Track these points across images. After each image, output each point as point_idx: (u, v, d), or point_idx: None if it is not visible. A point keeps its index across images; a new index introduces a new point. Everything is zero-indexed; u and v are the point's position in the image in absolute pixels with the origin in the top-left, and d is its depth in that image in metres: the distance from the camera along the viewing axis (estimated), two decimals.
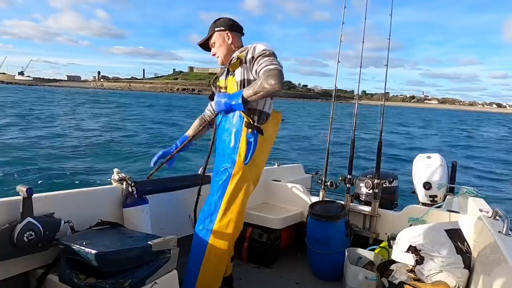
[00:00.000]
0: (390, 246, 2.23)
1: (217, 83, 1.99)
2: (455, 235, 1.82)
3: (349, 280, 2.16)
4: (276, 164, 3.39)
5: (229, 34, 1.95)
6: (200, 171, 2.51)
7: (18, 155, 9.52)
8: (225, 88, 1.89)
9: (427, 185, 3.06)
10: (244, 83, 1.81)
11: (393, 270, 1.89)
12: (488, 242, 1.62)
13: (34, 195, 1.53)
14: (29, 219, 1.47)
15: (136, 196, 1.98)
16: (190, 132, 2.13)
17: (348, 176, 2.75)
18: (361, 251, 2.43)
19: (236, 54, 1.88)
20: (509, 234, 1.55)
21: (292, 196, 2.95)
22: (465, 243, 1.81)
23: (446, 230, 1.83)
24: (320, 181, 2.90)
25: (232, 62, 1.85)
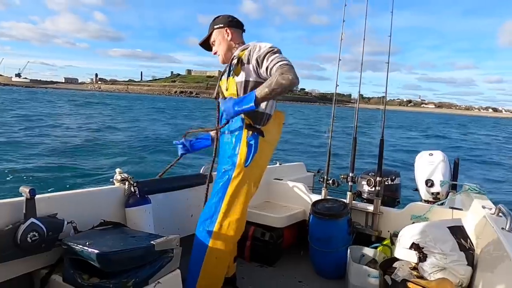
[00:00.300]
0: (393, 244, 2.23)
1: (220, 83, 1.97)
2: (458, 232, 1.81)
3: (352, 278, 2.16)
4: (278, 163, 3.40)
5: (228, 31, 1.92)
6: (202, 170, 2.51)
7: (18, 154, 9.57)
8: (226, 89, 1.87)
9: (429, 182, 3.06)
10: (243, 85, 1.78)
11: (396, 268, 1.89)
12: (491, 239, 1.62)
13: (37, 196, 1.53)
14: (32, 219, 1.48)
15: (138, 196, 1.99)
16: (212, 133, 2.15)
17: (350, 174, 2.74)
18: (364, 249, 2.44)
19: (237, 52, 1.86)
20: None
21: (294, 194, 2.95)
22: (468, 240, 1.81)
23: (449, 227, 1.82)
24: (322, 180, 2.90)
25: (233, 62, 1.84)
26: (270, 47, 1.71)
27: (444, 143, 21.27)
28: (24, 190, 1.48)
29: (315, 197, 2.80)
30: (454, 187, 3.09)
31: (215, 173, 1.96)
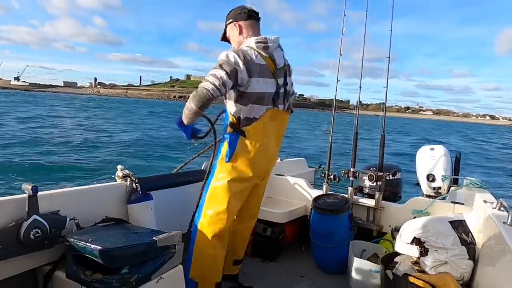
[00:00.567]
0: (394, 238, 2.23)
1: None
2: (459, 226, 1.82)
3: (353, 272, 2.16)
4: (279, 159, 3.39)
5: (236, 25, 1.88)
6: (203, 166, 2.51)
7: (19, 153, 9.60)
8: None
9: (431, 177, 3.05)
10: None
11: (397, 262, 1.90)
12: (493, 233, 1.62)
13: (39, 193, 1.54)
14: (35, 216, 1.48)
15: (140, 192, 2.00)
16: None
17: (352, 170, 2.74)
18: (365, 244, 2.44)
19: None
20: None
21: (296, 190, 2.95)
22: (470, 234, 1.81)
23: (450, 222, 1.83)
24: (323, 175, 2.90)
25: None
26: (219, 61, 1.69)
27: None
28: (27, 187, 1.49)
29: (317, 193, 2.81)
30: (455, 182, 3.08)
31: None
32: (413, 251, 1.81)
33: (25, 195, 1.49)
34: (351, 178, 2.74)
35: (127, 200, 1.98)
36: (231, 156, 1.80)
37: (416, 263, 1.84)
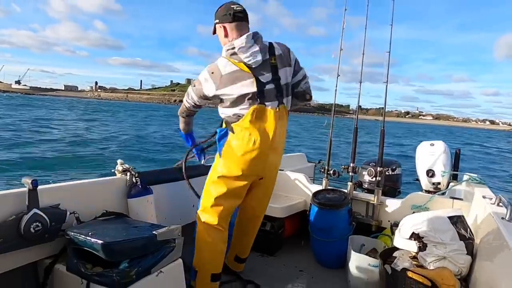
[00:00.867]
0: (393, 233, 2.24)
1: None
2: (458, 222, 1.82)
3: (352, 267, 2.18)
4: None
5: (222, 27, 1.81)
6: (203, 161, 2.51)
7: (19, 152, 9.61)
8: None
9: (430, 172, 3.06)
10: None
11: (396, 257, 1.91)
12: (491, 228, 1.63)
13: (39, 187, 1.54)
14: (35, 210, 1.49)
15: (140, 186, 2.00)
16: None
17: (351, 165, 2.74)
18: (364, 239, 2.45)
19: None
20: None
21: (295, 185, 2.96)
22: (468, 229, 1.82)
23: (449, 217, 1.83)
24: (323, 170, 2.91)
25: None
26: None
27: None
28: (27, 181, 1.49)
29: (316, 188, 2.81)
30: (455, 177, 3.09)
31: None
32: (412, 246, 1.82)
33: (25, 189, 1.50)
34: (350, 173, 2.74)
35: (127, 194, 1.99)
36: (221, 150, 1.86)
37: (414, 258, 1.85)
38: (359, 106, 3.01)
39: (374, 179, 2.67)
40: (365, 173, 2.98)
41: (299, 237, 2.84)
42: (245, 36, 1.74)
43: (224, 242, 1.96)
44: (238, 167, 1.80)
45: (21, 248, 1.49)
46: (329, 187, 2.80)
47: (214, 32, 1.91)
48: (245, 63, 1.74)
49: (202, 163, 2.25)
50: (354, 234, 2.47)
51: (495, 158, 21.37)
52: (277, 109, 1.78)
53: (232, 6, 1.80)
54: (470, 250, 1.75)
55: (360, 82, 2.83)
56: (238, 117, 1.77)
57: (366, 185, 3.03)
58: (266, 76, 1.77)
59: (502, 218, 1.59)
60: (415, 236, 1.81)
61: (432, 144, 3.21)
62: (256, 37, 1.77)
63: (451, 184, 2.94)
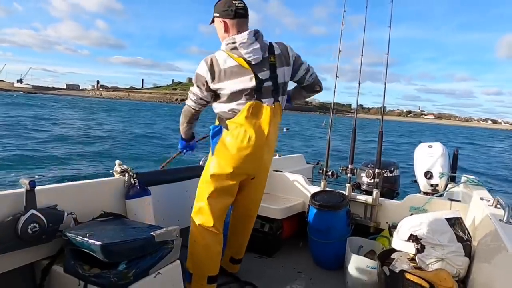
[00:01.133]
0: (391, 235, 2.25)
1: None
2: (456, 223, 1.82)
3: (350, 269, 2.17)
4: (277, 155, 3.40)
5: (222, 22, 1.78)
6: (201, 162, 2.51)
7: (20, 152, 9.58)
8: None
9: (428, 174, 3.07)
10: None
11: (394, 259, 1.91)
12: (489, 230, 1.63)
13: (37, 188, 1.53)
14: (32, 211, 1.48)
15: (138, 187, 2.00)
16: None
17: (350, 166, 2.75)
18: (362, 240, 2.45)
19: None
20: (510, 223, 1.55)
21: (294, 186, 2.96)
22: (466, 231, 1.82)
23: (447, 219, 1.83)
24: (321, 171, 2.91)
25: None
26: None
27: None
28: (24, 181, 1.49)
29: (314, 189, 2.81)
30: (453, 179, 3.10)
31: None
32: (410, 248, 1.82)
33: (23, 190, 1.49)
34: (349, 175, 2.74)
35: (125, 195, 1.98)
36: (213, 150, 1.85)
37: (412, 259, 1.85)
38: (360, 105, 3.05)
39: (372, 180, 2.67)
40: (363, 174, 2.99)
41: (297, 238, 2.84)
42: (247, 32, 1.75)
43: (220, 244, 1.95)
44: (230, 164, 1.80)
45: (18, 249, 1.48)
46: (327, 189, 2.80)
47: (212, 22, 1.88)
48: (245, 59, 1.74)
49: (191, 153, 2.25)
50: (352, 235, 2.47)
51: (496, 158, 21.44)
52: (273, 106, 1.79)
53: (234, 2, 1.76)
54: (468, 252, 1.75)
55: (359, 83, 2.84)
56: (234, 112, 1.76)
57: (364, 187, 3.03)
58: (265, 73, 1.78)
59: (500, 220, 1.59)
60: (413, 238, 1.81)
61: (430, 146, 3.22)
62: (257, 35, 1.78)
63: (449, 186, 2.95)
